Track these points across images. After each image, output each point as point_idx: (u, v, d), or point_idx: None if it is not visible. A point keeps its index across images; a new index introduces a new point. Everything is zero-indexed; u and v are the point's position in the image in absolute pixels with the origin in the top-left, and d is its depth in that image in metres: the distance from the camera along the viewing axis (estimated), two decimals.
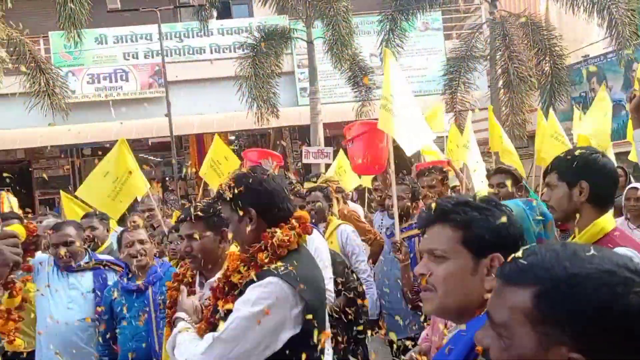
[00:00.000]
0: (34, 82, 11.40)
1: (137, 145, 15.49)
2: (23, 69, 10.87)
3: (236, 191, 1.94)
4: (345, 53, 11.55)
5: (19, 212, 6.45)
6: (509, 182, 3.68)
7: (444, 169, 3.95)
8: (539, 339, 0.89)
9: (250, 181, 1.96)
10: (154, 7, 12.26)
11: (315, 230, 3.55)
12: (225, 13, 15.74)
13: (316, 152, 11.49)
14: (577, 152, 2.13)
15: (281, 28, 12.93)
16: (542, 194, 2.42)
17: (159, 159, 16.75)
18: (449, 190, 4.41)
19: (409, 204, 4.27)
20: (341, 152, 8.38)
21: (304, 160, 11.66)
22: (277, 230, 1.93)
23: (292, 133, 16.32)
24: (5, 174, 8.94)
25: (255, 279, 1.87)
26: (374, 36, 13.82)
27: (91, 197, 5.52)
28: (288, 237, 1.92)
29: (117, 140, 5.62)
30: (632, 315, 0.84)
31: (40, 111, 12.25)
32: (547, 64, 12.51)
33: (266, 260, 1.89)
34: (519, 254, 0.97)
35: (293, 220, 1.98)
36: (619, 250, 1.74)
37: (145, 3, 13.24)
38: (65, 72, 13.39)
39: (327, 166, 10.79)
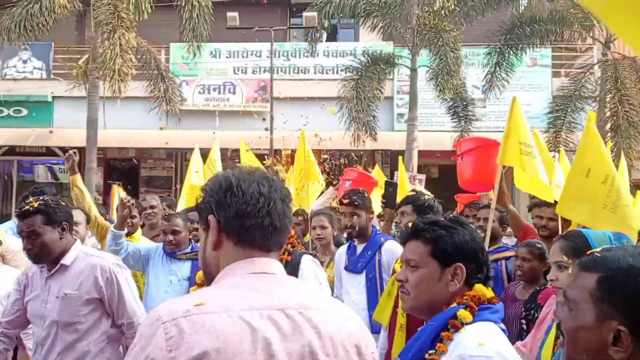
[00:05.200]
0: (154, 88, 12.36)
1: (235, 155, 16.25)
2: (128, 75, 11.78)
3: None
4: (450, 83, 11.59)
5: None
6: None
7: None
8: (597, 314, 1.15)
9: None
10: (269, 27, 12.94)
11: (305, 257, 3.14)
12: (331, 36, 16.28)
13: (409, 178, 11.58)
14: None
15: (386, 54, 13.19)
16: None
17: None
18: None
19: (498, 227, 4.57)
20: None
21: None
22: None
23: (384, 157, 16.47)
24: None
25: None
26: (478, 68, 13.76)
27: None
28: None
29: (219, 148, 7.01)
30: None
31: (155, 115, 13.24)
32: None
33: None
34: (597, 249, 1.25)
35: None
36: None
37: (260, 22, 14.01)
38: (180, 81, 14.36)
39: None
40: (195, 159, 8.47)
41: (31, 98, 14.60)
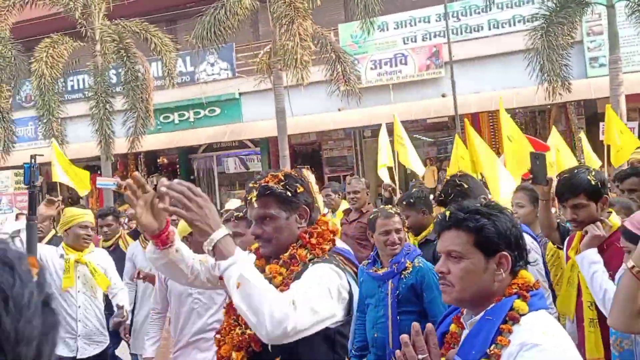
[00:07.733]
0: (333, 71, 12.62)
1: (413, 126, 16.07)
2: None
3: (298, 190, 1.99)
4: None
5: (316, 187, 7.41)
6: None
7: None
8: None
9: (305, 183, 2.05)
10: None
11: None
12: None
13: None
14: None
15: None
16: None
17: (430, 139, 17.13)
18: None
19: None
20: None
21: (601, 138, 10.67)
22: (314, 230, 2.00)
23: (577, 108, 15.10)
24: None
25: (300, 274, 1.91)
26: None
27: None
28: (328, 235, 2.02)
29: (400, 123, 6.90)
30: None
31: (333, 97, 13.52)
32: None
33: (308, 257, 1.94)
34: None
35: (320, 222, 2.06)
36: None
37: None
38: (352, 60, 14.48)
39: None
40: (382, 137, 8.49)
41: (222, 97, 15.85)
